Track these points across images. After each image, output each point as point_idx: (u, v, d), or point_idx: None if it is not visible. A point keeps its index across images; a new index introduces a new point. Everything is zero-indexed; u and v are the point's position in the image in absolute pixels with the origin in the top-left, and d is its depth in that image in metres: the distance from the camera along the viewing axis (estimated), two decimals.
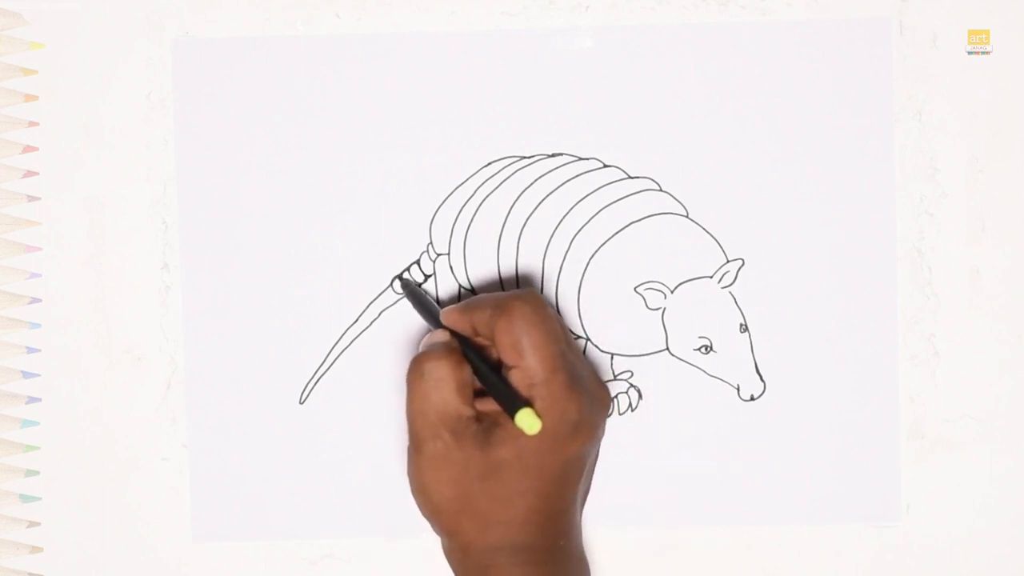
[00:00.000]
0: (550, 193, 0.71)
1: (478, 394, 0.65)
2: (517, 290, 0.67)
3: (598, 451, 0.70)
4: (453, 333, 0.66)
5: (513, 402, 0.62)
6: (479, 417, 0.64)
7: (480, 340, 0.66)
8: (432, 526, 0.66)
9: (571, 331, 0.72)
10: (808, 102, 0.71)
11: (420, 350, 0.66)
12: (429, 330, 0.69)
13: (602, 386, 0.66)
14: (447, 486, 0.63)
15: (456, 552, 0.65)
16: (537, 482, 0.63)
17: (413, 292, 0.70)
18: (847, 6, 0.72)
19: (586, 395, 0.64)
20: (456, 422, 0.63)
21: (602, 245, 0.71)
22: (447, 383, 0.63)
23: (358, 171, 0.72)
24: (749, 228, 0.72)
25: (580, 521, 0.68)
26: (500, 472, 0.63)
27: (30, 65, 0.71)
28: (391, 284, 0.72)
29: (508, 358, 0.63)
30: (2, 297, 0.72)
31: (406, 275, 0.71)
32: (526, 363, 0.63)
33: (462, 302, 0.67)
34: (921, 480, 0.72)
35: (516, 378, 0.63)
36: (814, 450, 0.72)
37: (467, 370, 0.64)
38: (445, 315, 0.66)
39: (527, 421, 0.61)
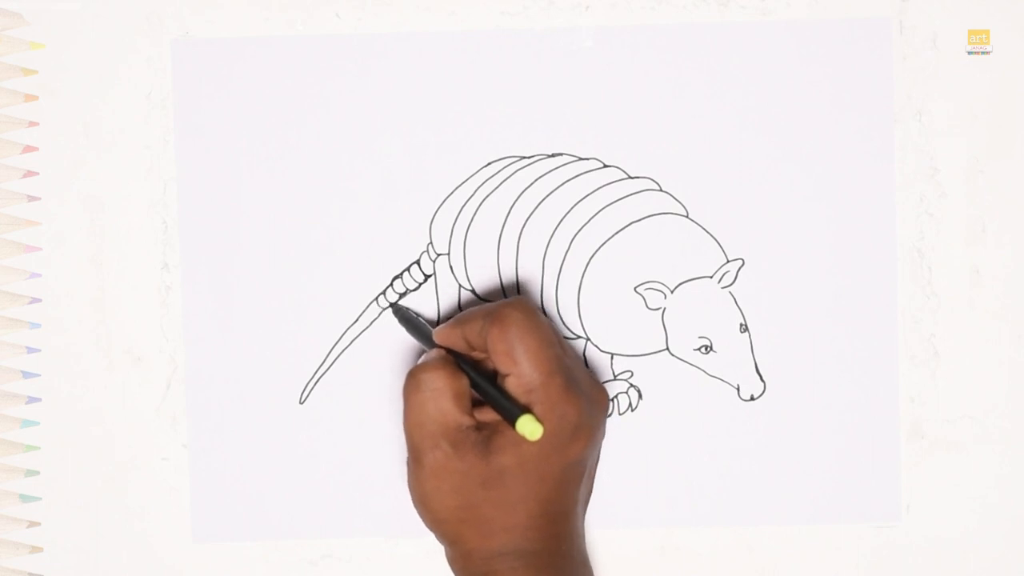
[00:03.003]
0: (550, 193, 0.71)
1: (476, 404, 0.65)
2: (507, 298, 0.67)
3: (599, 453, 0.70)
4: (448, 351, 0.66)
5: (512, 409, 0.62)
6: (478, 426, 0.64)
7: (475, 354, 0.66)
8: (435, 535, 0.66)
9: (571, 331, 0.72)
10: (808, 102, 0.71)
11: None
12: (423, 350, 0.69)
13: (599, 388, 0.66)
14: (448, 496, 0.63)
15: (459, 560, 0.65)
16: (538, 487, 0.63)
17: (404, 316, 0.70)
18: (847, 6, 0.72)
19: (584, 397, 0.64)
20: (455, 432, 0.63)
21: (602, 245, 0.71)
22: (444, 394, 0.63)
23: (358, 171, 0.72)
24: (749, 228, 0.72)
25: (583, 525, 0.68)
26: (502, 479, 0.63)
27: (30, 65, 0.71)
28: (383, 292, 0.72)
29: (503, 366, 0.63)
30: (2, 297, 0.72)
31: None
32: (521, 369, 0.63)
33: (452, 319, 0.67)
34: (921, 480, 0.72)
35: (513, 385, 0.63)
36: (814, 450, 0.72)
37: (464, 380, 0.64)
38: (437, 334, 0.66)
39: (528, 427, 0.61)
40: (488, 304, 0.66)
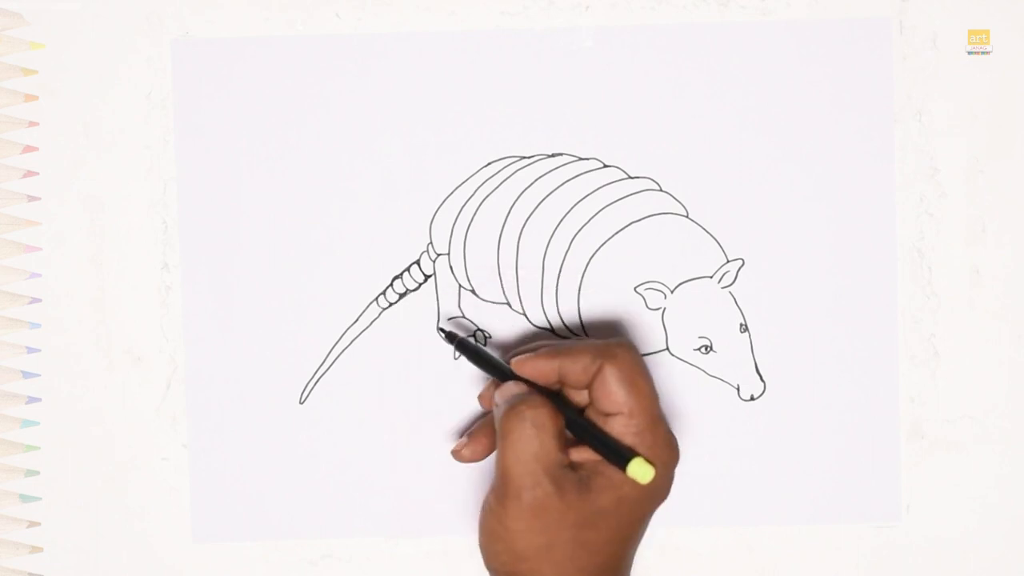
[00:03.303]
0: (550, 193, 0.71)
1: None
2: (614, 339, 0.66)
3: None
4: (526, 382, 0.65)
5: (620, 451, 0.62)
6: (573, 466, 0.63)
7: (557, 386, 0.65)
8: (500, 571, 0.64)
9: (571, 331, 0.72)
10: (808, 102, 0.71)
11: (498, 403, 0.65)
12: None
13: (674, 438, 0.66)
14: (539, 534, 0.62)
15: None
16: (628, 530, 0.63)
17: (470, 348, 0.69)
18: (847, 6, 0.72)
19: (675, 446, 0.64)
20: (557, 469, 0.62)
21: (602, 245, 0.71)
22: (547, 431, 0.62)
23: (358, 171, 0.72)
24: (749, 228, 0.72)
25: None
26: (597, 520, 0.62)
27: (30, 65, 0.71)
28: (384, 292, 0.72)
29: (611, 406, 0.63)
30: (2, 297, 0.72)
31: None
32: (632, 411, 0.63)
33: (540, 351, 0.65)
34: (921, 480, 0.72)
35: (620, 425, 0.63)
36: (814, 450, 0.72)
37: (561, 418, 0.63)
38: (523, 364, 0.65)
39: (640, 470, 0.61)
40: (588, 341, 0.66)
